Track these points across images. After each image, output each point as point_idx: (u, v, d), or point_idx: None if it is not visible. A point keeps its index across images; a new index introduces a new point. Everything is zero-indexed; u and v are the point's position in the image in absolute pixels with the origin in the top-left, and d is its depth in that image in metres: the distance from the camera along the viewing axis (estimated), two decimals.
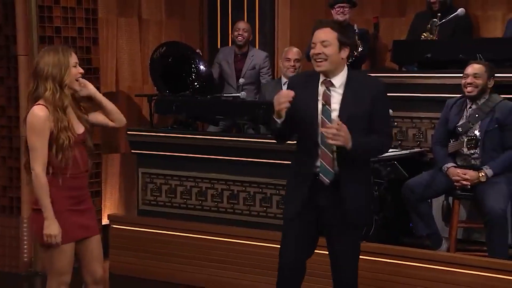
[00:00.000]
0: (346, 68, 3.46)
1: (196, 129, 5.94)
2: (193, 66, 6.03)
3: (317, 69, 3.40)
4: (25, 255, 5.47)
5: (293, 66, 5.72)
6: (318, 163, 3.39)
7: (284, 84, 5.72)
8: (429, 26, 5.59)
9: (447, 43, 5.48)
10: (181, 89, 5.93)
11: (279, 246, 4.76)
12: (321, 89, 3.42)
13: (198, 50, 6.29)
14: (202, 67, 6.03)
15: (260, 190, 4.99)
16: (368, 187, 3.55)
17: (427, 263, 4.39)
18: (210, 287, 5.01)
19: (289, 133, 3.50)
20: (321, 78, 3.42)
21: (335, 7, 6.01)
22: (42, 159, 3.35)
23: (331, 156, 3.36)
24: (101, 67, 5.80)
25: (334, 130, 3.25)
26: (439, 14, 5.65)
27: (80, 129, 3.47)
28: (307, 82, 3.47)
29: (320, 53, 3.35)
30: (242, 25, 6.31)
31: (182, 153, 5.28)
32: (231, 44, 6.53)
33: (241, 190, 5.06)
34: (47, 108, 3.36)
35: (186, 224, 5.18)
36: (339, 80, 3.41)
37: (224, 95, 6.00)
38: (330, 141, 3.27)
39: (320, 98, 3.40)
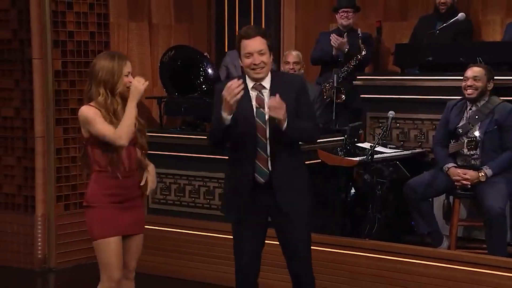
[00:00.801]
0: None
1: (204, 130, 5.98)
2: (201, 69, 6.12)
3: (258, 76, 3.49)
4: (39, 252, 5.55)
5: (292, 69, 5.77)
6: (255, 165, 3.50)
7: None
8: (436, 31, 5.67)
9: (447, 46, 5.52)
10: (190, 92, 6.02)
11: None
12: (253, 93, 3.52)
13: (206, 54, 6.37)
14: (210, 70, 6.12)
15: None
16: (301, 179, 3.60)
17: (428, 261, 4.42)
18: (219, 283, 5.06)
19: (228, 137, 3.52)
20: (251, 83, 3.52)
21: (339, 11, 6.09)
22: (109, 128, 3.40)
23: (266, 157, 3.49)
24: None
25: (276, 102, 3.36)
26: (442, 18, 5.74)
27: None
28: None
29: (259, 62, 3.47)
30: None
31: (191, 153, 5.34)
32: None
33: None
34: (97, 109, 3.45)
35: (194, 222, 5.24)
36: (267, 82, 3.54)
37: None
38: (272, 113, 3.37)
39: (254, 102, 3.51)
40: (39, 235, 5.54)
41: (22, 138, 5.63)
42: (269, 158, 3.50)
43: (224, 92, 3.38)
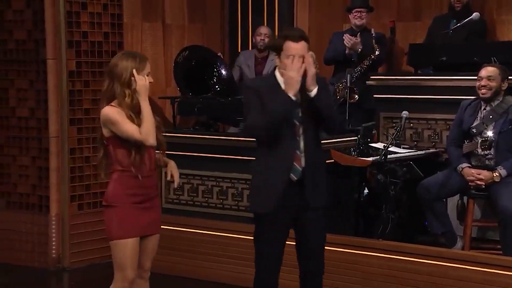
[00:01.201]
0: None
1: (217, 130, 6.03)
2: (214, 69, 6.14)
3: (299, 78, 3.50)
4: (53, 251, 5.59)
5: None
6: (291, 163, 3.54)
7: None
8: (450, 31, 5.65)
9: (461, 46, 5.52)
10: (203, 92, 6.04)
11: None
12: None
13: (219, 54, 6.40)
14: (223, 70, 6.14)
15: None
16: (324, 177, 3.68)
17: (442, 261, 4.41)
18: (232, 283, 5.07)
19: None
20: (283, 83, 3.53)
21: (353, 11, 6.09)
22: (136, 130, 3.42)
23: (299, 154, 3.54)
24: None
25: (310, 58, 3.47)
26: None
27: None
28: (268, 86, 3.58)
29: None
30: (264, 30, 6.40)
31: (204, 153, 5.35)
32: (252, 48, 6.64)
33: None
34: (121, 110, 3.46)
35: (207, 222, 5.26)
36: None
37: None
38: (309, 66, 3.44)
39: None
40: (53, 235, 5.58)
41: (37, 138, 5.67)
42: (302, 156, 3.55)
43: (289, 71, 3.45)
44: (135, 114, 3.48)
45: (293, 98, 3.48)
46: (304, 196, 3.58)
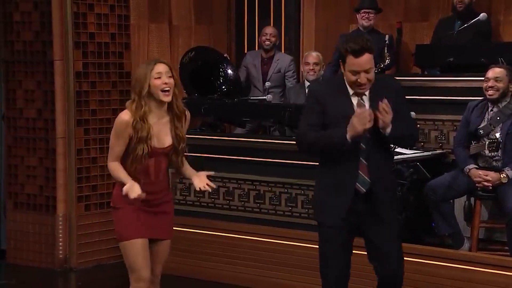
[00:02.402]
0: None
1: (224, 131, 6.04)
2: (221, 70, 6.14)
3: (361, 91, 3.42)
4: (61, 252, 5.61)
5: (312, 69, 5.78)
6: (356, 173, 3.44)
7: (307, 88, 5.83)
8: (455, 32, 5.64)
9: (469, 47, 5.49)
10: (210, 92, 6.05)
11: (302, 244, 4.89)
12: (354, 99, 3.46)
13: (226, 55, 6.40)
14: (229, 71, 6.15)
15: (286, 190, 5.06)
16: (394, 186, 3.64)
17: (449, 262, 4.43)
18: (237, 283, 5.10)
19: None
20: (351, 90, 3.45)
21: (361, 12, 6.08)
22: (115, 157, 3.50)
23: (366, 163, 3.43)
24: (133, 71, 5.95)
25: (385, 110, 3.32)
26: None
27: (166, 141, 3.51)
28: (333, 90, 3.50)
29: (365, 82, 3.39)
30: (269, 30, 6.41)
31: (210, 154, 5.36)
32: (258, 48, 6.65)
33: (267, 190, 5.15)
34: (132, 114, 3.46)
35: (213, 222, 5.27)
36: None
37: (251, 98, 6.10)
38: (381, 118, 3.31)
39: (356, 108, 3.43)
40: (60, 235, 5.60)
41: (44, 139, 5.69)
42: (368, 166, 3.44)
43: (355, 119, 3.32)
44: (139, 117, 3.43)
45: (349, 140, 3.34)
46: (373, 208, 3.47)
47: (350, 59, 3.37)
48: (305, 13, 6.75)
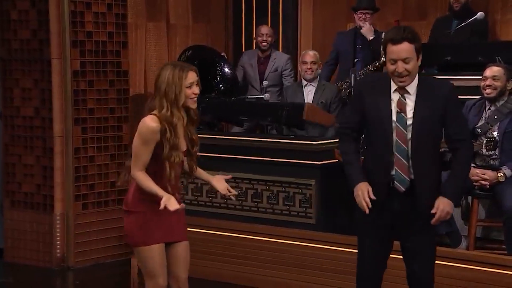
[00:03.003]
0: (417, 74, 3.40)
1: (221, 130, 6.04)
2: (218, 69, 6.14)
3: (401, 84, 3.35)
4: (58, 250, 5.61)
5: (310, 68, 5.76)
6: (393, 172, 3.37)
7: (304, 87, 5.83)
8: (451, 31, 5.64)
9: (466, 46, 5.49)
10: (207, 91, 6.04)
11: (299, 243, 4.89)
12: (394, 96, 3.38)
13: (223, 54, 6.41)
14: (227, 70, 6.15)
15: (283, 189, 5.07)
16: (438, 188, 3.47)
17: (446, 261, 4.42)
18: (234, 281, 5.11)
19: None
20: (394, 86, 3.37)
21: (358, 12, 6.09)
22: (142, 166, 3.40)
23: (407, 164, 3.36)
24: (130, 69, 5.96)
25: (438, 217, 3.35)
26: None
27: (183, 146, 3.49)
28: (377, 87, 3.43)
29: (403, 71, 3.30)
30: (265, 30, 6.40)
31: (207, 153, 5.28)
32: (255, 48, 6.65)
33: (264, 189, 5.15)
34: (160, 121, 3.38)
35: (211, 221, 5.27)
36: (412, 87, 3.37)
37: (248, 97, 6.10)
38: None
39: (394, 105, 3.37)
40: (58, 234, 5.60)
41: (41, 138, 5.69)
42: (410, 165, 3.35)
43: (359, 195, 3.37)
44: (171, 127, 3.38)
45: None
46: (415, 206, 3.37)
47: (389, 47, 3.31)
48: (303, 12, 6.75)
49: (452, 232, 4.82)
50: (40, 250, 5.67)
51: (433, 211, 3.36)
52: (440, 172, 3.52)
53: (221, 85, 6.13)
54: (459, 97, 4.99)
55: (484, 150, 4.71)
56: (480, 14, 5.55)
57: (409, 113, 3.36)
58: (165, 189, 3.40)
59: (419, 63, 3.39)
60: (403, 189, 3.39)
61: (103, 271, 5.53)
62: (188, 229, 5.30)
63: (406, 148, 3.36)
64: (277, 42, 6.66)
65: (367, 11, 6.01)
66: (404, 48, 3.28)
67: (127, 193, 3.55)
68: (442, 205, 3.36)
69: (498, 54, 4.97)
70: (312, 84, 5.81)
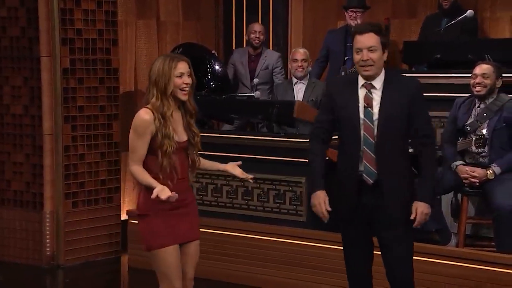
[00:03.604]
0: (383, 69, 3.48)
1: (212, 128, 6.03)
2: (208, 66, 6.12)
3: (365, 74, 3.42)
4: (48, 249, 5.59)
5: (301, 66, 5.76)
6: (362, 167, 3.44)
7: (295, 84, 5.83)
8: (441, 29, 5.66)
9: (456, 44, 5.52)
10: (197, 89, 6.01)
11: (289, 241, 4.89)
12: (361, 92, 3.45)
13: (213, 51, 6.40)
14: (217, 67, 6.13)
15: (274, 186, 5.08)
16: (409, 183, 3.52)
17: (436, 258, 4.45)
18: (224, 279, 5.11)
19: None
20: (361, 81, 3.45)
21: (348, 11, 6.09)
22: (139, 160, 3.40)
23: (374, 157, 3.42)
24: (121, 67, 5.93)
25: (418, 220, 3.42)
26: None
27: (183, 137, 3.49)
28: (345, 85, 3.52)
29: (368, 60, 3.38)
30: (258, 27, 6.40)
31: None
32: (246, 45, 6.65)
33: (255, 187, 5.15)
34: (153, 112, 3.39)
35: (201, 219, 5.21)
36: (379, 82, 3.44)
37: (239, 94, 6.10)
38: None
39: (361, 101, 3.44)
40: (47, 232, 5.58)
41: (31, 136, 5.66)
42: (376, 159, 3.41)
43: (317, 206, 3.51)
44: (161, 115, 3.38)
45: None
46: (382, 201, 3.43)
47: (356, 38, 3.42)
48: (293, 10, 6.76)
49: (441, 230, 4.85)
50: (30, 248, 5.65)
51: (412, 216, 3.43)
52: (410, 170, 3.56)
53: (211, 83, 6.12)
54: (449, 95, 5.13)
55: (473, 148, 4.73)
56: (469, 12, 5.58)
57: (376, 107, 3.42)
58: (158, 179, 3.39)
59: (385, 58, 3.46)
60: (371, 182, 3.45)
61: (93, 269, 5.52)
62: None
63: (373, 141, 3.43)
64: (267, 39, 6.66)
65: (357, 9, 6.02)
66: (369, 38, 3.39)
67: (138, 196, 3.55)
68: (420, 208, 3.44)
69: (487, 52, 5.01)
70: (303, 81, 5.82)
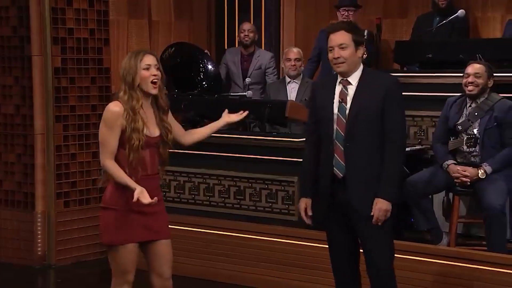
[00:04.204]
0: (361, 66, 3.57)
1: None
2: (201, 66, 6.12)
3: (338, 70, 3.52)
4: (39, 248, 5.56)
5: (294, 65, 5.77)
6: (334, 159, 3.50)
7: (288, 84, 5.84)
8: (433, 29, 5.68)
9: (447, 43, 5.54)
10: (190, 89, 6.03)
11: (282, 240, 4.89)
12: (338, 88, 3.54)
13: (206, 51, 6.39)
14: (210, 67, 6.13)
15: (266, 186, 5.07)
16: (375, 178, 3.50)
17: (428, 257, 4.45)
18: (215, 279, 5.10)
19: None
20: (339, 78, 3.56)
21: (340, 10, 6.11)
22: (110, 153, 3.39)
23: (342, 149, 3.47)
24: (112, 67, 5.91)
25: (376, 217, 3.43)
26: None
27: (155, 132, 3.48)
28: (325, 85, 3.63)
29: (339, 57, 3.48)
30: (247, 26, 6.41)
31: (190, 150, 5.26)
32: (238, 45, 6.65)
33: (247, 186, 5.15)
34: (122, 105, 3.39)
35: (193, 219, 5.26)
36: (355, 78, 3.53)
37: (231, 94, 6.12)
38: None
39: (337, 97, 3.52)
40: (39, 232, 5.56)
41: (22, 135, 5.64)
42: (344, 152, 3.47)
43: (300, 213, 3.62)
44: (130, 109, 3.39)
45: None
46: (348, 195, 3.47)
47: (329, 37, 3.52)
48: (285, 9, 6.77)
49: (433, 229, 4.85)
50: (21, 248, 5.63)
51: (371, 213, 3.45)
52: (377, 159, 3.52)
53: (204, 83, 6.12)
54: (440, 94, 5.15)
55: (465, 147, 4.74)
56: (461, 12, 5.60)
57: (349, 102, 3.50)
58: (146, 179, 3.39)
59: (359, 55, 3.52)
60: (341, 175, 3.49)
61: (84, 269, 5.50)
62: (170, 226, 5.35)
63: (343, 135, 3.48)
64: (259, 39, 6.67)
65: (349, 8, 6.04)
66: (340, 36, 3.48)
67: (106, 189, 3.52)
68: (379, 205, 3.45)
69: (479, 52, 5.01)
70: (296, 81, 5.83)
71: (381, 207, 3.45)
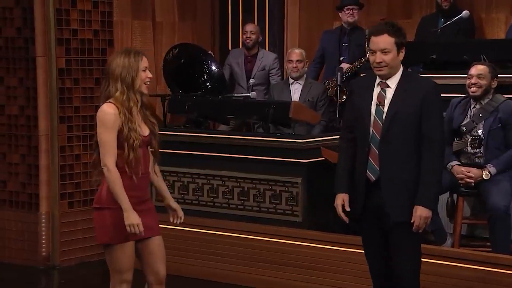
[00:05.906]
0: (401, 68, 3.53)
1: (208, 128, 6.03)
2: (205, 67, 6.14)
3: (379, 73, 3.48)
4: (44, 249, 5.58)
5: (296, 67, 5.76)
6: (368, 161, 3.48)
7: (291, 85, 5.84)
8: (438, 30, 5.67)
9: (451, 44, 5.52)
10: (193, 90, 6.04)
11: (286, 241, 4.89)
12: (376, 90, 3.51)
13: (210, 52, 6.40)
14: (214, 68, 6.15)
15: (270, 187, 5.07)
16: (411, 185, 3.46)
17: (432, 258, 4.44)
18: (219, 280, 5.11)
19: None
20: (378, 80, 3.52)
21: (344, 9, 6.11)
22: (113, 154, 3.39)
23: (377, 153, 3.44)
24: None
25: (417, 224, 3.42)
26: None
27: (145, 131, 3.50)
28: (364, 84, 3.59)
29: (381, 62, 3.44)
30: (249, 27, 6.40)
31: (194, 151, 5.35)
32: (242, 46, 6.65)
33: (251, 187, 5.15)
34: (116, 107, 3.40)
35: (197, 219, 5.25)
36: (394, 81, 3.49)
37: (235, 95, 6.11)
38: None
39: (375, 99, 3.50)
40: (43, 233, 5.57)
41: (27, 136, 5.65)
42: (379, 156, 3.44)
43: (336, 209, 3.55)
44: (127, 110, 3.41)
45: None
46: (381, 199, 3.44)
47: (371, 39, 3.48)
48: (289, 10, 6.76)
49: (437, 230, 4.84)
50: (26, 249, 5.64)
51: (412, 220, 3.43)
52: (417, 174, 3.49)
53: (208, 83, 6.13)
54: (444, 95, 5.09)
55: (469, 148, 4.74)
56: (465, 13, 5.60)
57: (387, 105, 3.46)
58: (125, 174, 3.39)
59: (401, 58, 3.50)
60: (374, 179, 3.47)
61: (88, 269, 5.51)
62: (172, 227, 5.35)
63: (379, 138, 3.46)
64: (263, 40, 6.66)
65: (353, 6, 6.04)
66: (383, 40, 3.43)
67: (100, 189, 3.52)
68: (419, 212, 3.43)
69: (483, 53, 5.00)
70: (299, 82, 5.83)
71: (421, 214, 3.42)
